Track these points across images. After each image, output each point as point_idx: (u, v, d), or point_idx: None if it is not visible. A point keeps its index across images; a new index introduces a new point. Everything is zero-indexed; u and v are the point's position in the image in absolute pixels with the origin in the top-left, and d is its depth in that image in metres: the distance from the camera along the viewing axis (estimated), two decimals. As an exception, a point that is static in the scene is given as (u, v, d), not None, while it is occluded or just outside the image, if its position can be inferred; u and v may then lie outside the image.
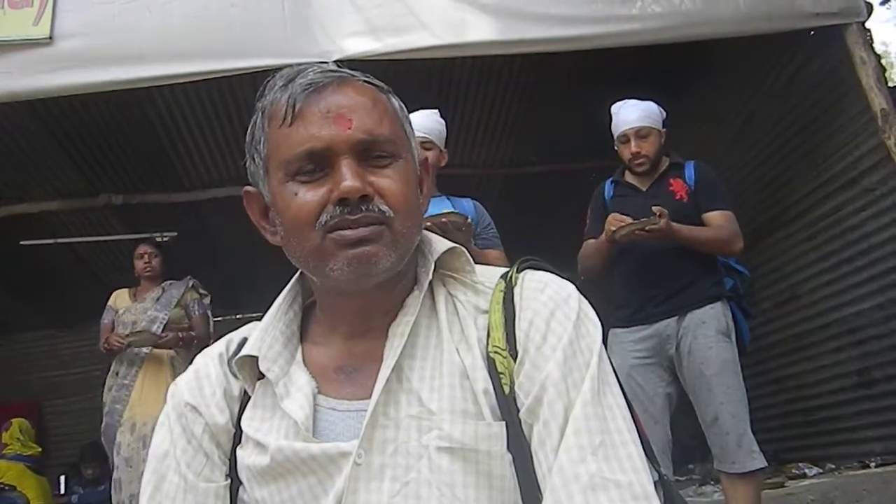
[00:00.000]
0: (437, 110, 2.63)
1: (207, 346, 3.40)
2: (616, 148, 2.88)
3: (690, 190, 2.78)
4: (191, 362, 3.41)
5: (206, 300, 4.21)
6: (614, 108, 2.90)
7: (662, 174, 2.83)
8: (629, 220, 2.62)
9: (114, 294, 4.14)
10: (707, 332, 2.57)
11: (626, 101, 2.88)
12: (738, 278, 2.81)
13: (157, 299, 4.00)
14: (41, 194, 5.22)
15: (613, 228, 2.62)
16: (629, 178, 2.88)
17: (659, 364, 2.65)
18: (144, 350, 3.82)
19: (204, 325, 4.08)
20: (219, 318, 7.66)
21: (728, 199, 2.82)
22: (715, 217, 2.73)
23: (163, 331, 3.86)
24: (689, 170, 2.85)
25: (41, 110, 4.30)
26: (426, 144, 2.50)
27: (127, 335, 3.80)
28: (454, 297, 0.86)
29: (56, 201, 5.25)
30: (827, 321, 4.04)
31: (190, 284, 4.14)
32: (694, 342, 2.57)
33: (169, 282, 4.10)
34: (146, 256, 4.11)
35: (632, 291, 2.70)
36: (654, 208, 2.61)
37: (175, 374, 3.59)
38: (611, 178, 2.96)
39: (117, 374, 3.82)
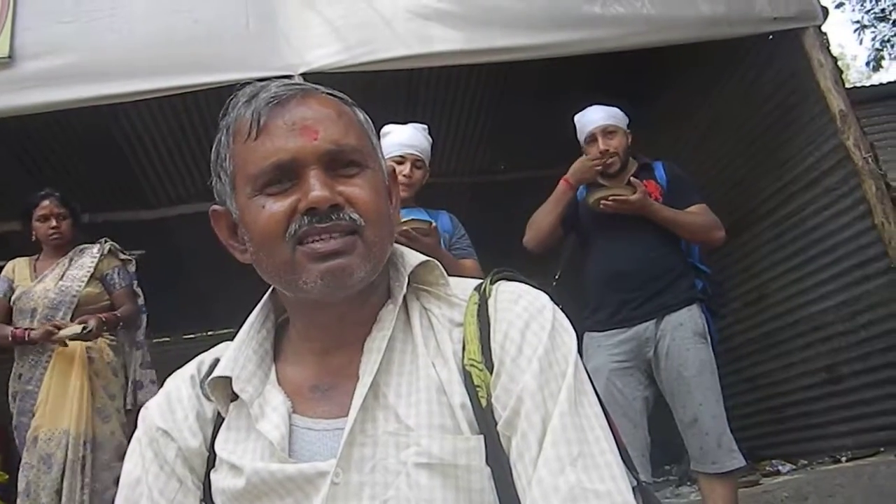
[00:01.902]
0: (426, 126, 2.64)
1: (137, 326, 3.09)
2: (584, 152, 2.87)
3: (663, 190, 2.80)
4: (114, 352, 3.01)
5: (132, 267, 3.29)
6: (578, 115, 2.93)
7: (634, 175, 2.83)
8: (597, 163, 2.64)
9: (11, 263, 3.19)
10: (685, 333, 2.59)
11: (589, 106, 2.90)
12: (706, 279, 2.84)
13: (62, 276, 3.07)
14: (4, 215, 5.10)
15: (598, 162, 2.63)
16: (601, 179, 2.89)
17: (637, 367, 2.65)
18: (52, 345, 2.93)
19: (131, 302, 3.18)
20: (190, 336, 7.60)
21: (701, 193, 2.84)
22: (694, 209, 2.74)
23: (72, 317, 2.98)
24: (659, 170, 2.87)
25: (2, 130, 4.21)
26: (418, 163, 2.52)
27: (32, 330, 2.92)
28: (428, 311, 0.85)
29: (18, 222, 5.13)
30: (795, 319, 4.11)
31: (106, 249, 3.19)
32: (672, 344, 2.58)
33: (79, 247, 3.17)
34: (53, 218, 3.11)
35: (608, 294, 2.70)
36: (632, 179, 2.63)
37: (93, 372, 2.96)
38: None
39: (20, 377, 3.00)
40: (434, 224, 2.39)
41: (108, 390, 3.03)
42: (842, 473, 3.05)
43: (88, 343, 2.99)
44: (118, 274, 3.18)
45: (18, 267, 3.17)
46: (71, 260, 3.13)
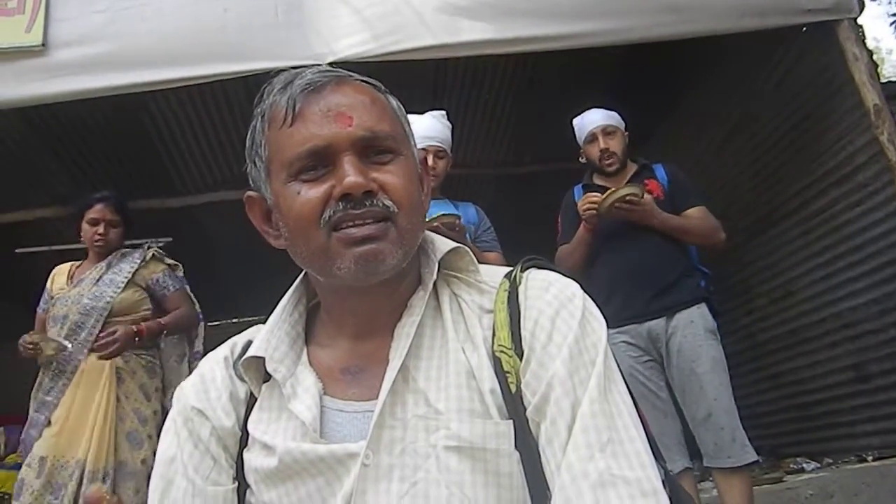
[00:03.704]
0: (444, 112, 2.65)
1: (194, 331, 2.95)
2: (582, 153, 2.96)
3: (665, 189, 2.83)
4: (148, 373, 2.77)
5: (180, 272, 3.10)
6: (576, 119, 2.99)
7: (635, 175, 2.88)
8: (603, 196, 2.66)
9: (53, 272, 3.05)
10: (696, 330, 2.61)
11: (586, 111, 2.97)
12: (707, 280, 2.85)
13: (97, 281, 2.86)
14: (36, 201, 5.20)
15: (594, 203, 2.64)
16: (599, 180, 2.91)
17: (654, 360, 2.69)
18: (79, 355, 2.73)
19: (186, 304, 3.00)
20: (216, 323, 7.69)
21: (701, 195, 2.89)
22: (694, 212, 2.79)
23: (101, 329, 2.74)
24: (660, 171, 2.92)
25: (34, 118, 4.29)
26: (440, 154, 2.53)
27: (33, 337, 2.72)
28: (458, 297, 0.86)
29: (50, 208, 5.23)
30: (822, 316, 4.05)
31: (150, 254, 3.00)
32: (684, 340, 2.60)
33: (119, 251, 3.00)
34: (103, 224, 2.95)
35: (618, 292, 2.71)
36: (631, 188, 2.65)
37: (123, 393, 2.73)
38: (580, 183, 2.99)
39: (41, 384, 2.78)
40: (461, 219, 2.40)
41: (140, 414, 2.77)
42: (867, 473, 3.01)
43: (119, 362, 2.75)
44: (169, 277, 3.00)
45: (58, 276, 3.02)
46: (109, 264, 2.93)
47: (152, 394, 2.86)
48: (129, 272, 2.89)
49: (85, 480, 2.57)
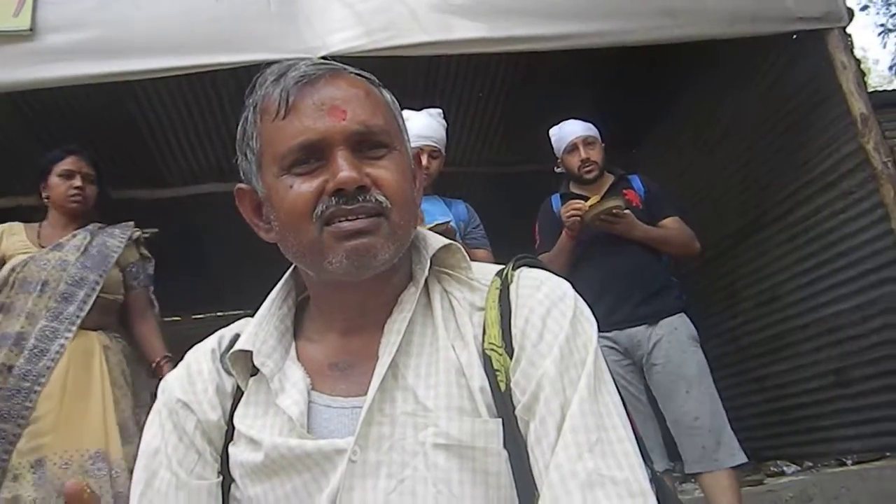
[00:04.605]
0: (441, 110, 2.65)
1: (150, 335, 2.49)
2: (560, 162, 2.99)
3: (642, 199, 2.90)
4: (127, 361, 2.34)
5: (151, 267, 2.71)
6: (554, 129, 3.03)
7: (613, 185, 2.92)
8: (587, 204, 2.69)
9: (1, 228, 2.56)
10: (680, 337, 2.66)
11: (564, 121, 3.01)
12: (679, 289, 2.90)
13: (84, 249, 2.47)
14: (19, 189, 5.14)
15: (578, 211, 2.67)
16: (577, 189, 2.94)
17: (635, 365, 2.74)
18: (67, 333, 2.30)
19: (151, 308, 2.64)
20: (200, 316, 7.63)
21: (676, 205, 2.95)
22: (669, 222, 2.86)
23: (93, 304, 2.38)
24: (636, 181, 2.98)
25: (20, 103, 4.23)
26: (434, 153, 2.53)
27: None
28: (449, 294, 0.86)
29: (34, 196, 5.16)
30: (806, 321, 4.09)
31: (134, 235, 2.65)
32: (669, 347, 2.64)
33: (96, 225, 2.60)
34: (79, 177, 2.57)
35: (602, 299, 2.73)
36: (615, 200, 2.67)
37: (112, 380, 2.34)
38: (557, 192, 3.01)
39: (10, 369, 2.23)
40: (450, 222, 2.40)
41: (127, 404, 2.39)
42: (847, 476, 3.04)
43: (106, 339, 2.41)
44: (141, 269, 2.63)
45: (11, 235, 2.52)
46: (92, 235, 2.53)
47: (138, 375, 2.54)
48: (119, 248, 2.54)
49: (116, 479, 2.14)
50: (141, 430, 1.91)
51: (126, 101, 4.39)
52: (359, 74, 0.86)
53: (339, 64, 0.86)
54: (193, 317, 7.41)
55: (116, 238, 2.58)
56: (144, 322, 2.59)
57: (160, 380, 1.84)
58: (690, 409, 2.56)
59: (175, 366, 1.78)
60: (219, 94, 4.38)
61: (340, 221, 0.77)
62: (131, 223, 2.72)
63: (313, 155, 0.79)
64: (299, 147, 0.78)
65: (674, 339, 2.65)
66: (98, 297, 2.42)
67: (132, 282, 2.62)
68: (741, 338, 4.71)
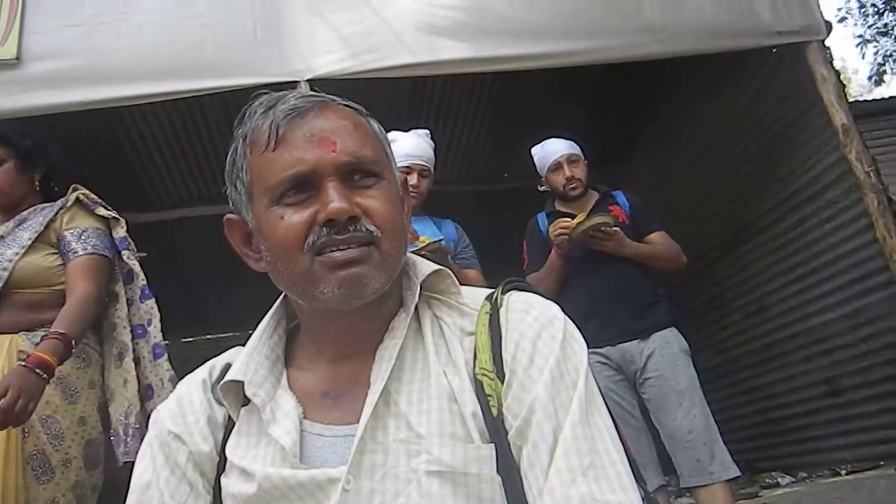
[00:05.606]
0: (428, 131, 2.66)
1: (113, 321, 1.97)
2: (544, 180, 3.01)
3: (628, 215, 2.91)
4: (81, 364, 1.83)
5: (120, 230, 2.14)
6: (536, 148, 3.04)
7: (599, 202, 2.94)
8: (574, 222, 2.71)
9: None
10: (672, 350, 2.67)
11: (546, 140, 3.02)
12: (669, 302, 2.92)
13: (17, 226, 2.02)
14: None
15: (566, 229, 2.68)
16: (562, 207, 2.96)
17: (627, 380, 2.74)
18: None
19: (87, 278, 1.95)
20: (189, 339, 7.58)
21: (660, 220, 2.97)
22: (655, 237, 2.88)
23: (7, 280, 1.88)
24: (621, 197, 3.00)
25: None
26: (424, 172, 2.53)
27: None
28: (440, 320, 0.86)
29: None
30: (795, 332, 4.12)
31: (72, 199, 2.09)
32: (661, 360, 2.65)
33: (39, 206, 2.10)
34: None
35: (593, 314, 2.74)
36: (603, 217, 2.69)
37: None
38: (543, 211, 3.02)
39: None
40: (442, 240, 2.41)
41: (53, 427, 1.81)
42: (841, 486, 3.04)
43: (23, 343, 1.85)
44: (90, 237, 2.01)
45: None
46: (22, 222, 2.03)
47: (82, 391, 1.92)
48: (41, 225, 1.99)
49: None
50: (94, 456, 1.76)
51: (113, 125, 4.39)
52: (347, 105, 0.87)
53: (327, 95, 0.87)
54: (183, 340, 7.37)
55: (43, 214, 2.05)
56: (71, 295, 1.91)
57: (39, 371, 1.60)
58: (684, 423, 2.56)
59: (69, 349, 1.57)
60: (206, 117, 4.39)
61: (332, 251, 0.77)
62: (73, 187, 2.18)
63: (304, 186, 0.79)
64: (290, 178, 0.79)
65: (666, 352, 2.66)
66: (14, 292, 1.91)
67: (69, 250, 1.98)
68: (731, 349, 4.73)
